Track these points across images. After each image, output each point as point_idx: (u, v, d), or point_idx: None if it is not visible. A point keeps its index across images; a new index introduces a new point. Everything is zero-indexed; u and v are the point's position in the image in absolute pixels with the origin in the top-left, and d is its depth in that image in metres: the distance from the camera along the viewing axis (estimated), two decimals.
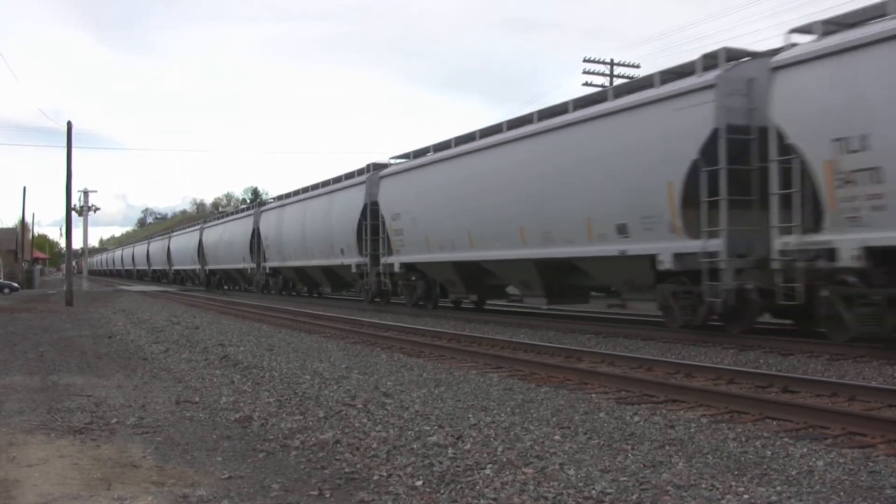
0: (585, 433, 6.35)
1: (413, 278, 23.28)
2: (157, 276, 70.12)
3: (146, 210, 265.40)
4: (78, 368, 11.15)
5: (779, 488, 4.74)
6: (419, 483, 4.97)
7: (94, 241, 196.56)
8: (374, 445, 5.95)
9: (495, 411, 7.28)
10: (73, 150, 31.55)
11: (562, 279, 17.28)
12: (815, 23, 11.77)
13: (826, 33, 11.52)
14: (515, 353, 11.91)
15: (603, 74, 37.65)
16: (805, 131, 11.37)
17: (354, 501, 4.72)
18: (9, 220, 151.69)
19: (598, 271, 16.02)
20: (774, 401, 7.40)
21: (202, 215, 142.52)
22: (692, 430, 6.50)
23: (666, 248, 13.40)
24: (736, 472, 5.12)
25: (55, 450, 6.04)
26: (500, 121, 18.99)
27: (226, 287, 47.85)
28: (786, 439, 6.14)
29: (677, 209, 13.18)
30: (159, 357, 12.40)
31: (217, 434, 6.68)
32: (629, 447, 5.82)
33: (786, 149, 11.69)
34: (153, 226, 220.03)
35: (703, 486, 4.77)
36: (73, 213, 43.28)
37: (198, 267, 51.39)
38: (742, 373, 9.15)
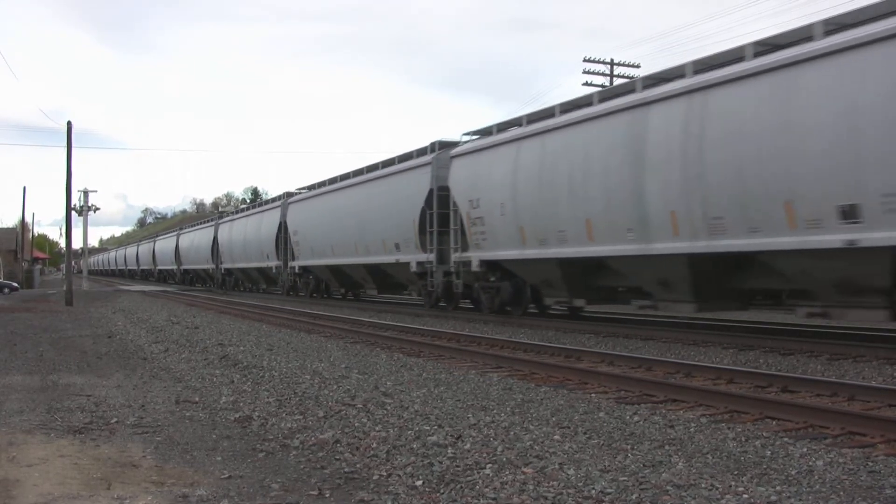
0: (585, 433, 6.35)
1: (311, 276, 32.70)
2: (145, 276, 76.72)
3: (146, 210, 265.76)
4: (78, 368, 11.14)
5: (778, 488, 4.74)
6: (419, 483, 4.97)
7: (94, 241, 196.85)
8: (374, 445, 5.95)
9: (495, 411, 7.28)
10: (74, 150, 31.55)
11: (381, 278, 26.15)
12: (470, 131, 20.73)
13: (481, 134, 20.16)
14: (515, 353, 11.90)
15: (603, 74, 37.64)
16: (459, 194, 19.88)
17: (354, 501, 4.72)
18: (9, 220, 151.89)
19: (393, 272, 24.49)
20: (774, 400, 7.40)
21: (202, 215, 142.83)
22: (692, 429, 6.50)
23: (413, 258, 22.16)
24: (736, 472, 5.12)
25: (55, 449, 6.04)
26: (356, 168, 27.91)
27: (198, 285, 55.16)
28: (785, 439, 6.14)
29: (416, 235, 21.84)
30: (159, 357, 12.40)
31: (217, 434, 6.67)
32: (629, 447, 5.82)
33: (454, 203, 20.07)
34: (153, 226, 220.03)
35: (703, 485, 4.77)
36: (73, 212, 43.25)
37: (174, 267, 59.41)
38: (742, 372, 9.15)
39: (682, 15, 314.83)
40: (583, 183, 15.16)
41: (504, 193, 17.78)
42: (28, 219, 75.51)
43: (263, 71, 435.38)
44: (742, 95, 12.01)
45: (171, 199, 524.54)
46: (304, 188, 33.53)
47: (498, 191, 18.04)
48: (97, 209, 58.06)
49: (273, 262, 35.35)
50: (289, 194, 34.72)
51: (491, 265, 19.02)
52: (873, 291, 10.89)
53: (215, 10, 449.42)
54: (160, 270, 69.10)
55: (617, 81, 36.68)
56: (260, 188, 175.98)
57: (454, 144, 21.25)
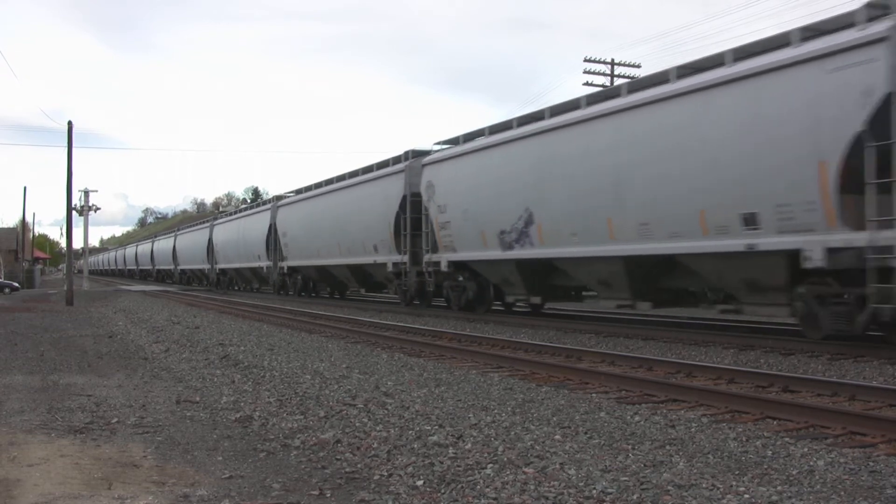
0: (586, 433, 6.35)
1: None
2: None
3: (147, 209, 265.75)
4: (78, 368, 11.15)
5: (779, 488, 4.74)
6: (420, 483, 4.97)
7: (94, 241, 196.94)
8: (375, 445, 5.95)
9: (496, 411, 7.28)
10: (74, 150, 31.58)
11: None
12: None
13: None
14: (516, 353, 11.90)
15: (604, 74, 37.62)
16: None
17: (355, 501, 4.72)
18: (9, 220, 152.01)
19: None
20: (775, 400, 7.40)
21: (202, 215, 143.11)
22: (693, 429, 6.50)
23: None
24: (736, 472, 5.12)
25: (56, 449, 6.04)
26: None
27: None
28: (786, 439, 6.14)
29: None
30: (160, 357, 12.40)
31: (218, 434, 6.67)
32: (630, 447, 5.82)
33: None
34: (154, 225, 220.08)
35: (704, 485, 4.77)
36: (74, 212, 43.19)
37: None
38: (743, 372, 9.15)
39: (682, 15, 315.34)
40: None
41: None
42: (28, 219, 75.75)
43: (263, 71, 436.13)
44: None
45: (172, 199, 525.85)
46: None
47: None
48: (98, 209, 58.13)
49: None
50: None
51: None
52: None
53: (215, 9, 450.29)
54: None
55: (617, 81, 36.74)
56: (260, 188, 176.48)
57: None
